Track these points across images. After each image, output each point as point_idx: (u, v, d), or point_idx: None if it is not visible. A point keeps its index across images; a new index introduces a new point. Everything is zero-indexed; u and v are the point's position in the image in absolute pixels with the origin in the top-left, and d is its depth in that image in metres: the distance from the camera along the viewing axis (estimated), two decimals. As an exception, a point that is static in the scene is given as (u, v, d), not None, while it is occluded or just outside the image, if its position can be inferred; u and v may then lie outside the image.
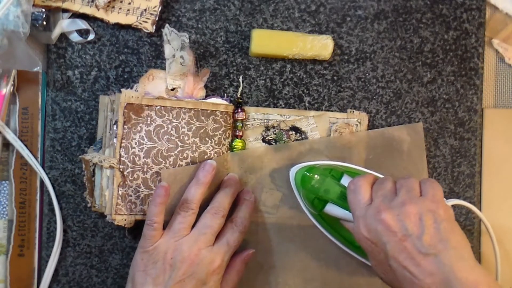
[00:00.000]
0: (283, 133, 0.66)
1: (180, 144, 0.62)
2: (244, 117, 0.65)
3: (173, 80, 0.63)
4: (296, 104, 0.67)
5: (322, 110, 0.67)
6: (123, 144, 0.60)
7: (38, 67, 0.61)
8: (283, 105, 0.66)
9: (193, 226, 0.59)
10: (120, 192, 0.60)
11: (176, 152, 0.62)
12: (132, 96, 0.60)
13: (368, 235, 0.54)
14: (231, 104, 0.65)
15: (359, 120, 0.67)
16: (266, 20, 0.66)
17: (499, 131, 0.71)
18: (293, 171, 0.64)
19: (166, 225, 0.59)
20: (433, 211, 0.52)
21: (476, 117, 0.69)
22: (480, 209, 0.70)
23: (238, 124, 0.64)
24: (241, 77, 0.66)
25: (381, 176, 0.61)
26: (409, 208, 0.52)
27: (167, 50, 0.62)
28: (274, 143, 0.66)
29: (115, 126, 0.60)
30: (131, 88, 0.62)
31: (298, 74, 0.67)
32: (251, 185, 0.65)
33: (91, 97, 0.64)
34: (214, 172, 0.61)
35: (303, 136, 0.66)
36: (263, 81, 0.66)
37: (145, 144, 0.61)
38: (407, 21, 0.68)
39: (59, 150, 0.64)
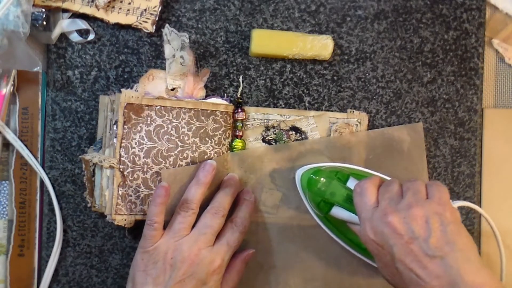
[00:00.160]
0: (283, 133, 0.66)
1: (180, 144, 0.62)
2: (244, 117, 0.65)
3: (173, 80, 0.63)
4: (296, 104, 0.67)
5: (322, 110, 0.67)
6: (123, 144, 0.60)
7: (38, 67, 0.61)
8: (283, 105, 0.66)
9: (193, 226, 0.59)
10: (120, 192, 0.60)
11: (176, 152, 0.62)
12: (132, 96, 0.60)
13: (374, 237, 0.54)
14: (231, 104, 0.65)
15: (359, 120, 0.67)
16: (266, 20, 0.66)
17: (499, 131, 0.71)
18: (299, 173, 0.64)
19: (166, 225, 0.59)
20: (439, 213, 0.52)
21: (476, 117, 0.69)
22: (480, 209, 0.70)
23: (238, 124, 0.64)
24: (241, 77, 0.66)
25: (387, 178, 0.60)
26: (415, 210, 0.52)
27: (167, 50, 0.62)
28: (274, 143, 0.66)
29: (115, 126, 0.60)
30: (131, 88, 0.62)
31: (298, 74, 0.67)
32: (251, 185, 0.65)
33: (91, 97, 0.64)
34: (214, 172, 0.61)
35: (303, 136, 0.66)
36: (263, 81, 0.66)
37: (145, 144, 0.61)
38: (407, 21, 0.68)
39: (59, 150, 0.64)
